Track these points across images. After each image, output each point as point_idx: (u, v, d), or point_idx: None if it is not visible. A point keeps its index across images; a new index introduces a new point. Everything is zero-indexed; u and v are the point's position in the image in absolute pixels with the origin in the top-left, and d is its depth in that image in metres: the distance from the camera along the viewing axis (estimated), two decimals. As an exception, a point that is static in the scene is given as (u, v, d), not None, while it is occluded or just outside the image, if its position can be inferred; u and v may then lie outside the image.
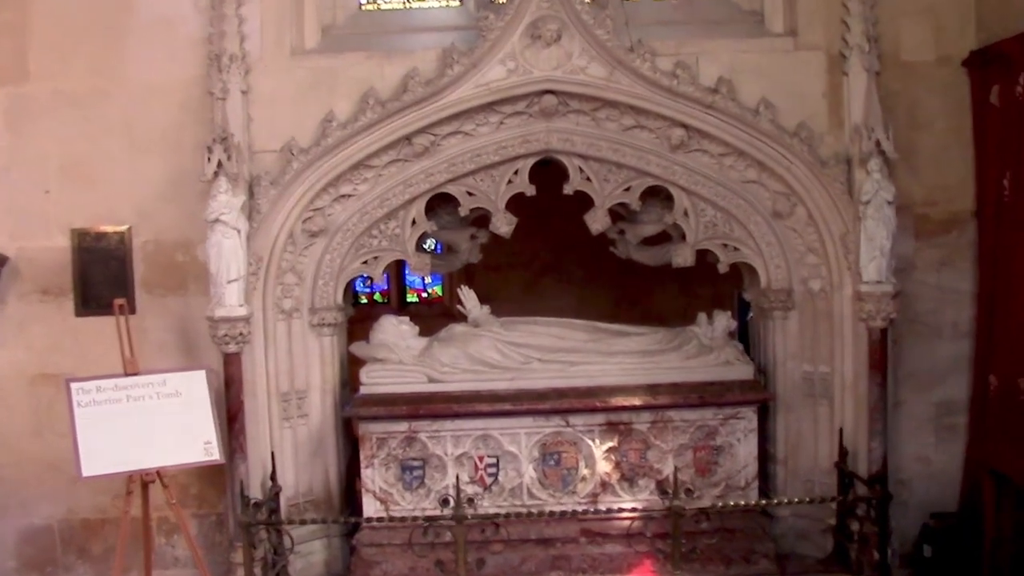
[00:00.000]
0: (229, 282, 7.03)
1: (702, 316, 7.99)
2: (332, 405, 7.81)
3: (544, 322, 7.94)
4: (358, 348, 7.88)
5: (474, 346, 7.67)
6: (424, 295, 13.49)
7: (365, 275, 7.93)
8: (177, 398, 6.92)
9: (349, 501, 7.88)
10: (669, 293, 12.17)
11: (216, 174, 6.99)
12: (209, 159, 7.01)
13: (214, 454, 6.93)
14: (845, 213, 7.24)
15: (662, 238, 8.30)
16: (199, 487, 7.79)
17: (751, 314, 9.73)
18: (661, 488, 7.50)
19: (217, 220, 6.97)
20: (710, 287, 11.07)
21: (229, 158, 7.01)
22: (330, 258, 7.63)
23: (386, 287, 13.18)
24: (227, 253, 7.01)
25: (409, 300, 13.50)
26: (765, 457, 7.81)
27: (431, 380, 7.59)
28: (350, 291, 8.31)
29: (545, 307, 10.98)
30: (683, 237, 7.84)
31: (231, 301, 7.06)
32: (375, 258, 7.76)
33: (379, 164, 7.41)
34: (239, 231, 7.04)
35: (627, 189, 7.59)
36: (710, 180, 7.51)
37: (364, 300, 13.30)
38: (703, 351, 7.79)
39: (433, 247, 10.85)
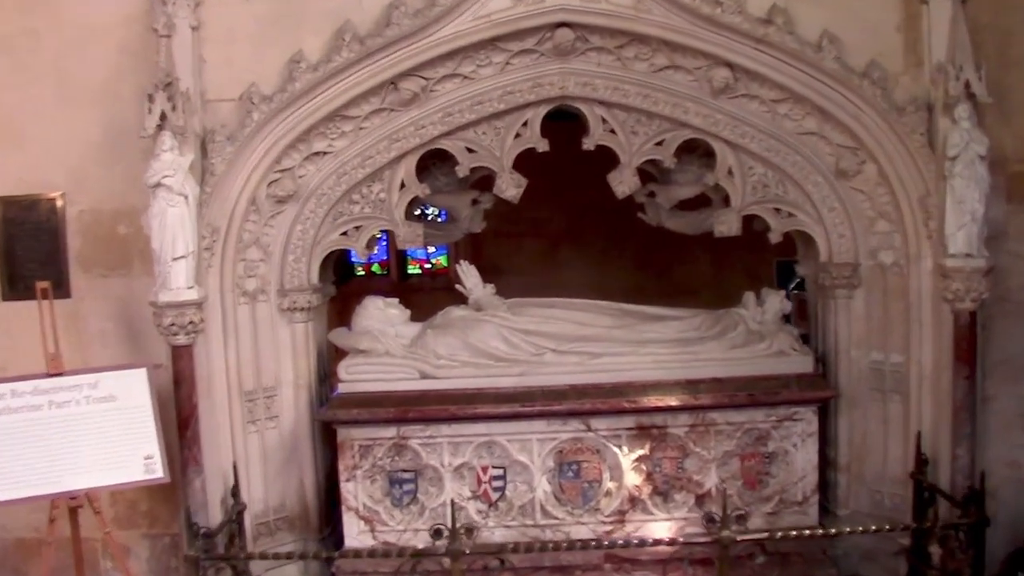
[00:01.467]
0: (175, 259, 5.80)
1: (749, 296, 6.73)
2: (307, 404, 6.63)
3: (560, 304, 6.70)
4: (338, 336, 6.64)
5: (476, 334, 6.43)
6: (427, 266, 12.23)
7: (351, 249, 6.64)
8: (111, 403, 5.74)
9: (331, 516, 6.70)
10: (700, 263, 11.25)
11: (159, 128, 5.77)
12: (150, 110, 5.78)
13: (157, 471, 5.74)
14: (925, 171, 6.06)
15: (700, 202, 7.14)
16: (149, 503, 6.60)
17: (791, 286, 8.75)
18: (702, 504, 6.29)
19: (159, 184, 5.74)
20: (744, 255, 10.25)
21: (175, 108, 5.78)
22: (302, 229, 6.42)
23: (385, 257, 11.93)
24: (172, 224, 5.77)
25: (410, 272, 12.25)
26: (824, 462, 6.60)
27: (424, 376, 6.39)
28: (331, 266, 7.05)
29: (561, 279, 10.70)
30: (725, 201, 6.71)
31: (178, 282, 5.82)
32: (357, 228, 6.55)
33: (359, 114, 6.24)
34: (187, 197, 5.80)
35: (659, 143, 6.43)
36: (760, 132, 6.34)
37: (360, 272, 12.08)
38: (751, 339, 6.55)
39: (437, 214, 9.59)
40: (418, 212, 11.12)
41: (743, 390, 6.27)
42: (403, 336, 6.55)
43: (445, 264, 12.18)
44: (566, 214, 11.25)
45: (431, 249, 12.08)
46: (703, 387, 6.30)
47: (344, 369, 6.39)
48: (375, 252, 11.58)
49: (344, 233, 6.52)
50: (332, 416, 6.23)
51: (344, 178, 6.36)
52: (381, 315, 6.57)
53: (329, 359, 6.84)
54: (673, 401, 6.18)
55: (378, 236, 6.79)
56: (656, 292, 10.61)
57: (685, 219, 7.13)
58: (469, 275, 6.76)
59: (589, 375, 6.40)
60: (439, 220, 9.48)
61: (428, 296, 10.81)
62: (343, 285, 11.90)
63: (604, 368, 6.41)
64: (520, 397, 6.27)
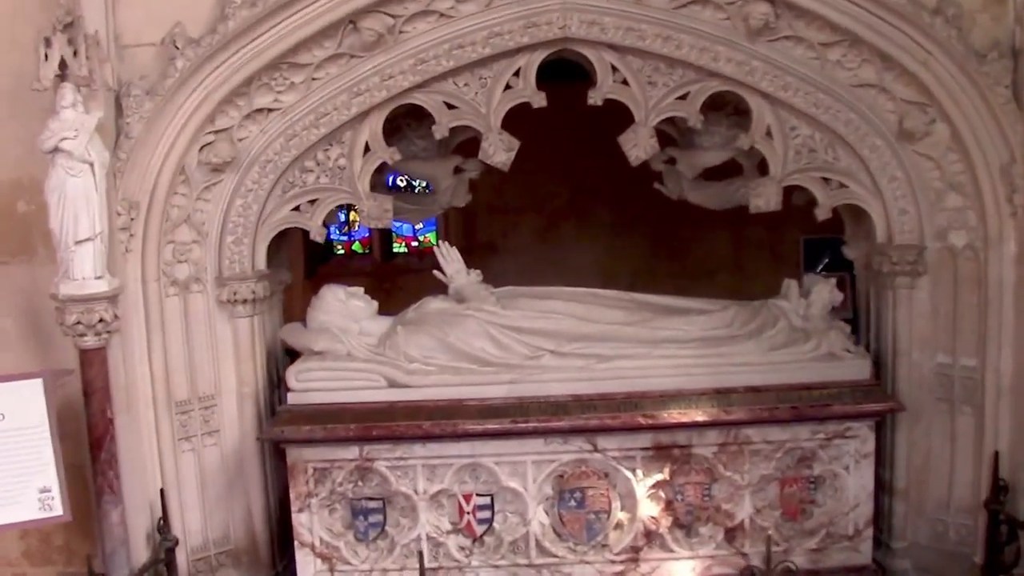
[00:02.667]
0: (78, 243, 4.71)
1: (791, 285, 5.60)
2: (254, 416, 5.51)
3: (561, 295, 5.56)
4: (290, 334, 5.52)
5: (457, 332, 5.29)
6: (414, 244, 11.04)
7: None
8: (-1, 423, 4.56)
9: (286, 549, 5.54)
10: (718, 241, 10.18)
11: (58, 79, 4.65)
12: (46, 56, 4.64)
13: (55, 508, 4.66)
14: (1011, 132, 5.01)
15: (727, 171, 6.02)
16: (65, 537, 5.51)
17: (819, 267, 8.35)
18: (732, 540, 5.24)
19: (58, 149, 4.62)
20: (767, 232, 9.64)
21: (77, 54, 4.67)
22: (243, 203, 5.29)
23: (367, 234, 10.76)
24: (74, 198, 4.67)
25: (396, 250, 11.06)
26: (877, 486, 5.44)
27: (393, 384, 5.26)
28: (286, 247, 5.92)
29: (562, 260, 9.75)
30: (761, 169, 5.67)
31: (83, 271, 4.73)
32: (311, 202, 5.41)
33: (311, 62, 5.12)
34: (92, 165, 4.68)
35: (682, 97, 5.31)
36: (806, 83, 5.22)
37: (340, 250, 10.89)
38: (795, 338, 5.42)
39: (425, 187, 8.44)
40: (404, 184, 10.22)
41: (785, 401, 5.13)
42: (369, 334, 5.41)
43: (435, 242, 10.98)
44: (569, 187, 10.19)
45: (419, 225, 10.89)
46: (736, 398, 5.15)
47: (294, 375, 5.24)
48: (356, 230, 10.57)
49: (296, 208, 5.39)
50: (278, 434, 5.10)
51: (294, 141, 5.21)
52: (342, 308, 5.43)
53: (285, 361, 5.69)
54: (699, 415, 5.05)
55: (337, 211, 5.62)
56: (669, 274, 9.96)
57: (711, 191, 6.02)
58: (450, 259, 5.61)
59: (596, 383, 5.24)
60: (418, 192, 8.30)
61: (415, 278, 9.84)
62: (321, 265, 10.97)
63: (614, 374, 5.25)
64: (511, 410, 5.14)
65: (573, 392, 5.22)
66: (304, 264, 10.12)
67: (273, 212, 5.35)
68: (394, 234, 10.99)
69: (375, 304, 5.54)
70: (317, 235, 5.40)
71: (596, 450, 5.13)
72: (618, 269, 9.81)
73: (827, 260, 9.48)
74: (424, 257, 10.73)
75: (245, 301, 5.32)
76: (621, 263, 9.95)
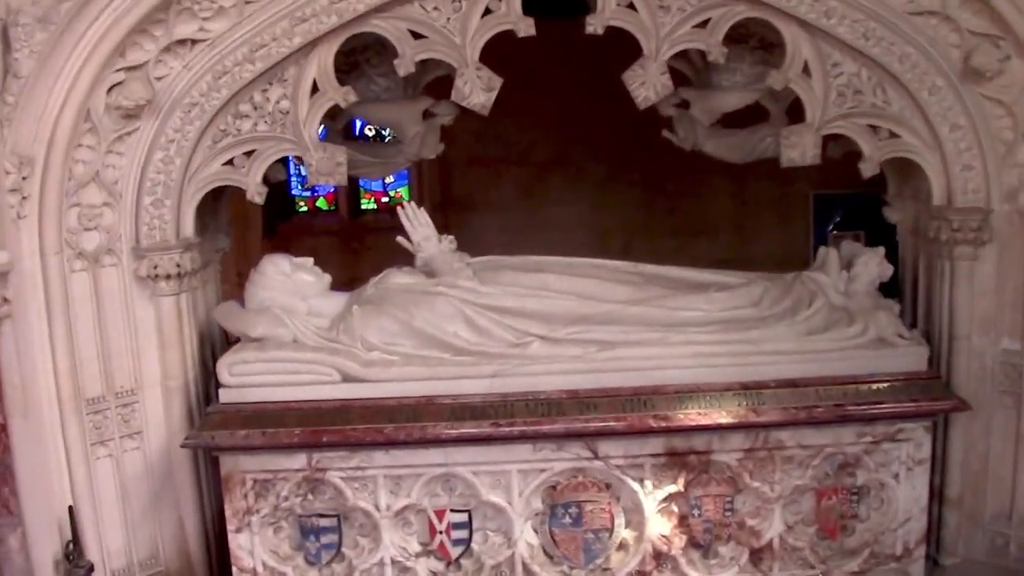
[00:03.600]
0: (-52, 207, 3.67)
1: (830, 255, 4.69)
2: (184, 414, 4.59)
3: (553, 266, 4.62)
4: (225, 315, 4.57)
5: (426, 313, 4.36)
6: (385, 200, 10.04)
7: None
8: None
9: (227, 569, 4.60)
10: (718, 197, 9.26)
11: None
12: (-103, -30, 3.65)
13: (-80, 540, 3.66)
14: None
15: (751, 116, 5.11)
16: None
17: (830, 227, 8.18)
18: (759, 562, 4.42)
19: (-83, 89, 3.60)
20: (771, 186, 8.70)
21: (-57, -32, 3.65)
22: (165, 157, 4.35)
23: (332, 189, 9.75)
24: (-59, 152, 3.64)
25: (364, 206, 10.05)
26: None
27: (348, 378, 4.32)
28: (225, 208, 4.96)
29: (550, 217, 8.94)
30: (788, 114, 4.87)
31: (-43, 244, 3.71)
32: (248, 154, 4.45)
33: None
34: (-35, 109, 3.66)
35: (701, 25, 4.38)
36: (854, 9, 4.33)
37: (303, 207, 9.90)
38: (836, 319, 4.53)
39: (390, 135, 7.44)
40: (374, 134, 9.22)
41: (827, 399, 4.24)
42: (320, 314, 4.46)
43: (407, 198, 10.00)
44: (556, 136, 9.20)
45: (389, 179, 9.88)
46: (767, 395, 4.25)
47: (227, 367, 4.30)
48: (322, 186, 9.56)
49: (229, 162, 4.44)
50: (207, 441, 4.17)
51: (225, 79, 4.26)
52: (286, 283, 4.48)
53: (224, 347, 4.74)
54: (723, 417, 4.17)
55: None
56: (665, 232, 9.13)
57: (731, 140, 5.13)
58: (417, 223, 4.64)
59: (597, 376, 4.32)
60: (388, 142, 7.31)
61: (385, 237, 8.80)
62: (282, 223, 10.01)
63: (619, 365, 4.33)
64: (492, 410, 4.24)
65: (569, 387, 4.29)
66: (263, 222, 9.22)
67: (202, 167, 4.39)
68: (362, 189, 9.98)
69: (327, 278, 4.57)
70: (255, 195, 4.43)
71: (596, 457, 4.24)
72: (610, 226, 9.00)
73: (838, 219, 8.89)
74: (396, 214, 9.73)
75: (169, 276, 4.37)
76: (613, 220, 9.10)
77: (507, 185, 9.41)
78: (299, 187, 9.74)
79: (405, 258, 4.70)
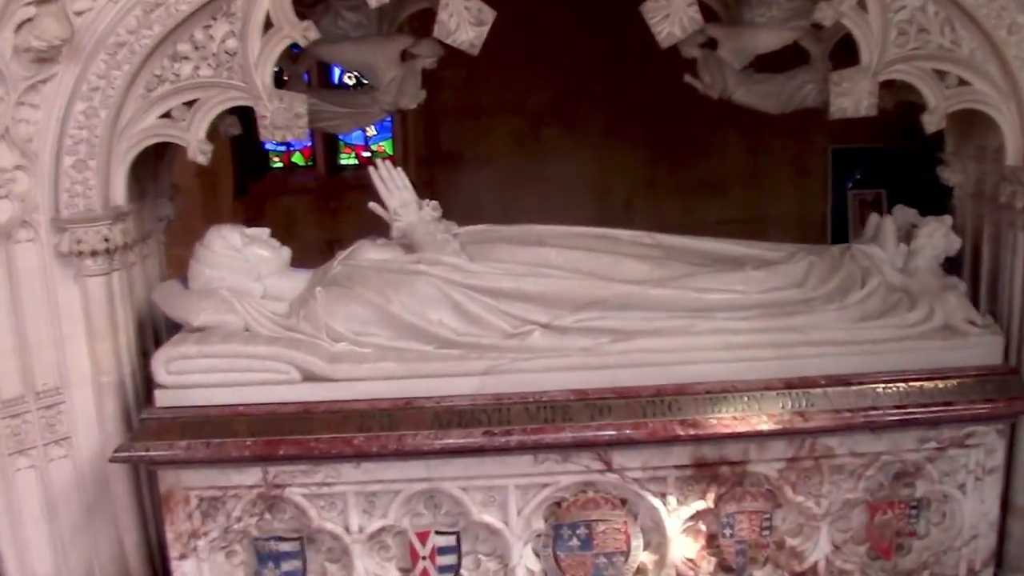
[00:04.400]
0: None
1: (885, 224, 3.98)
2: (120, 415, 3.83)
3: (556, 238, 3.89)
4: (165, 297, 3.82)
5: (404, 296, 3.62)
6: (366, 155, 9.24)
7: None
8: None
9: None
10: (730, 150, 8.53)
11: None
12: None
13: None
14: None
15: (788, 59, 4.34)
16: None
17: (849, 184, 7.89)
18: None
19: None
20: (787, 140, 8.21)
21: None
22: (88, 109, 3.55)
23: (309, 143, 8.95)
24: None
25: (343, 162, 9.26)
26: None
27: (309, 377, 3.56)
28: (168, 167, 4.20)
29: (547, 173, 8.33)
30: (832, 57, 4.18)
31: None
32: (188, 104, 3.66)
33: None
34: None
35: None
36: None
37: (278, 163, 9.11)
38: (893, 302, 3.79)
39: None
40: (355, 83, 8.42)
41: (887, 400, 3.52)
42: (277, 296, 3.73)
43: (391, 152, 9.21)
44: (553, 83, 8.38)
45: (371, 131, 9.08)
46: (816, 394, 3.52)
47: (164, 363, 3.56)
48: (297, 143, 8.73)
49: (167, 114, 3.64)
50: (139, 453, 3.44)
51: (159, 13, 3.46)
52: (236, 260, 3.72)
53: (170, 333, 4.00)
54: (764, 422, 3.45)
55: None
56: (673, 189, 8.49)
57: (766, 87, 4.36)
58: (393, 185, 3.89)
59: (611, 373, 3.56)
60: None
61: (367, 195, 8.14)
62: (253, 182, 9.23)
63: (638, 360, 3.58)
64: (485, 415, 3.48)
65: (577, 386, 3.53)
66: (233, 180, 8.45)
67: (133, 120, 3.60)
68: (341, 143, 9.18)
69: (286, 253, 3.81)
70: (198, 153, 3.66)
71: (610, 469, 3.52)
72: (612, 183, 8.40)
73: (858, 176, 8.42)
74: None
75: (96, 252, 3.61)
76: (616, 176, 8.46)
77: (499, 137, 8.65)
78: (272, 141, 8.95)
79: (373, 235, 3.97)
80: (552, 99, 8.52)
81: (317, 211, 8.72)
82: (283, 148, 9.05)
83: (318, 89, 5.22)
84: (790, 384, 3.55)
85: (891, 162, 7.91)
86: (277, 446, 3.40)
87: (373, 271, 3.67)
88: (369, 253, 3.78)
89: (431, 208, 3.83)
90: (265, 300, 3.70)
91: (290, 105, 3.63)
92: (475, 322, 3.60)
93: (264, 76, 3.59)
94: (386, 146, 9.11)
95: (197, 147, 3.65)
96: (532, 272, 3.66)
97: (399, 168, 3.91)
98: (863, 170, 8.37)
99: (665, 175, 8.52)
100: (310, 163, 9.16)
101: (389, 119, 8.73)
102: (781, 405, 3.49)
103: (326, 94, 4.48)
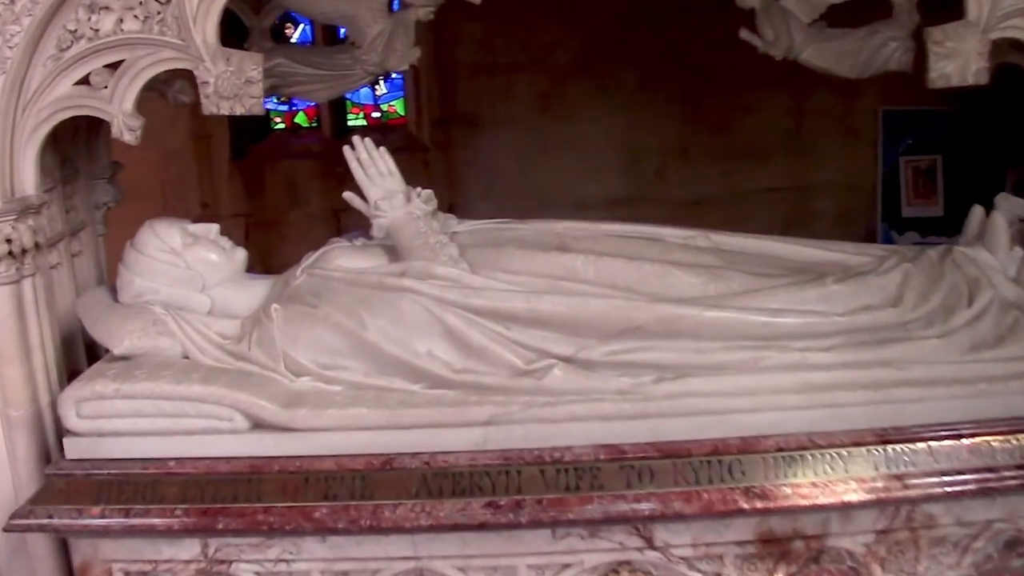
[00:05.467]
0: None
1: (995, 221, 3.11)
2: (37, 456, 3.07)
3: (580, 240, 3.05)
4: (87, 311, 3.03)
5: (381, 319, 2.81)
6: (376, 115, 8.44)
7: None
8: None
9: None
10: (772, 112, 7.80)
11: None
12: None
13: None
14: None
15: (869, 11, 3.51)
16: None
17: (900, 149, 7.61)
18: None
19: None
20: (834, 101, 7.58)
21: None
22: (-19, 74, 2.72)
23: (314, 103, 8.15)
24: None
25: (351, 123, 8.46)
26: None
27: (259, 424, 2.77)
28: (105, 145, 3.44)
29: (572, 136, 7.70)
30: (921, 9, 3.36)
31: None
32: (110, 67, 2.87)
33: None
34: None
35: None
36: None
37: (279, 124, 8.31)
38: (1008, 324, 2.91)
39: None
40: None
41: (1009, 458, 2.71)
42: (227, 312, 2.95)
43: (402, 112, 8.37)
44: (579, 37, 7.68)
45: (381, 90, 8.26)
46: (919, 451, 2.70)
47: (74, 404, 2.77)
48: (301, 102, 7.95)
49: (84, 80, 2.85)
50: (43, 520, 2.68)
51: (66, -49, 2.65)
52: (175, 266, 2.93)
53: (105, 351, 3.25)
54: (853, 491, 2.64)
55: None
56: (710, 154, 7.76)
57: (841, 45, 3.52)
58: (375, 171, 3.09)
59: (653, 423, 2.74)
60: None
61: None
62: (254, 144, 8.45)
63: (688, 406, 2.75)
64: (487, 480, 2.68)
65: (609, 441, 2.71)
66: (230, 143, 7.77)
67: (43, 88, 2.83)
68: (349, 102, 8.37)
69: (240, 255, 3.01)
70: (125, 131, 2.87)
71: (651, 547, 2.72)
72: (643, 147, 7.77)
73: (910, 140, 7.83)
74: (389, 132, 8.18)
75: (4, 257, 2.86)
76: (647, 139, 7.78)
77: (519, 97, 7.95)
78: (274, 99, 8.15)
79: (353, 231, 3.19)
80: (578, 54, 7.77)
81: (322, 177, 7.97)
82: (285, 108, 8.26)
83: (285, 46, 4.39)
84: (885, 438, 2.71)
85: (947, 124, 7.39)
86: (215, 517, 2.62)
87: (345, 284, 2.84)
88: (342, 259, 2.96)
89: (422, 200, 3.01)
90: (211, 318, 2.92)
91: (239, 68, 2.81)
92: (476, 355, 2.76)
93: (206, 31, 2.78)
94: (398, 106, 8.32)
95: (123, 122, 2.86)
96: (552, 288, 2.82)
97: (383, 149, 3.11)
98: (916, 134, 7.77)
99: (701, 139, 7.82)
100: (314, 124, 8.38)
101: (400, 77, 7.95)
102: (874, 466, 2.66)
103: (297, 53, 3.66)
